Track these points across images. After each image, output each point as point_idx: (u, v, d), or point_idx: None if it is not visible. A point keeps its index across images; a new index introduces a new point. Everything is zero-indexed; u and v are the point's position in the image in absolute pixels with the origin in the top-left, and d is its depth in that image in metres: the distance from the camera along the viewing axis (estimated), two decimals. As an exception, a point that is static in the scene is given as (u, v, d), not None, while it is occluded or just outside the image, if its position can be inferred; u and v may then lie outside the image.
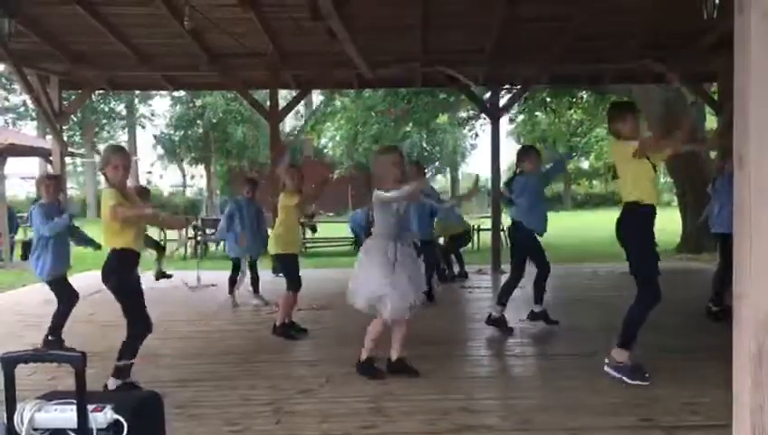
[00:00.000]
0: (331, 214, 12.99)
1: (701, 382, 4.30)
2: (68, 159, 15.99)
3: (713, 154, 11.21)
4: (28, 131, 29.54)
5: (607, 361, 4.55)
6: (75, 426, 2.31)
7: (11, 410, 2.35)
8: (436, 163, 27.73)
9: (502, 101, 11.14)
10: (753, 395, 2.47)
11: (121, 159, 4.30)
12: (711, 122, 15.99)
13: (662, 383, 4.35)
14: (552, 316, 6.45)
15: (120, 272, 4.28)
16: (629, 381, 4.38)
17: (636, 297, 4.48)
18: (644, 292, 4.44)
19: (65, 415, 2.34)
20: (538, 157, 6.30)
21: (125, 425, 2.35)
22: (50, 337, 5.63)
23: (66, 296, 5.71)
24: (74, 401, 2.33)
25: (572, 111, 22.70)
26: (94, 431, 2.31)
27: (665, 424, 3.67)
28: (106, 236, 4.30)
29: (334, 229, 16.07)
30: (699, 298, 6.72)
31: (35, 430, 2.33)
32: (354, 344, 5.38)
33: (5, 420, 2.36)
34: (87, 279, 8.37)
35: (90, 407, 2.33)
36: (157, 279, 9.36)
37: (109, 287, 4.31)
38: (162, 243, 14.01)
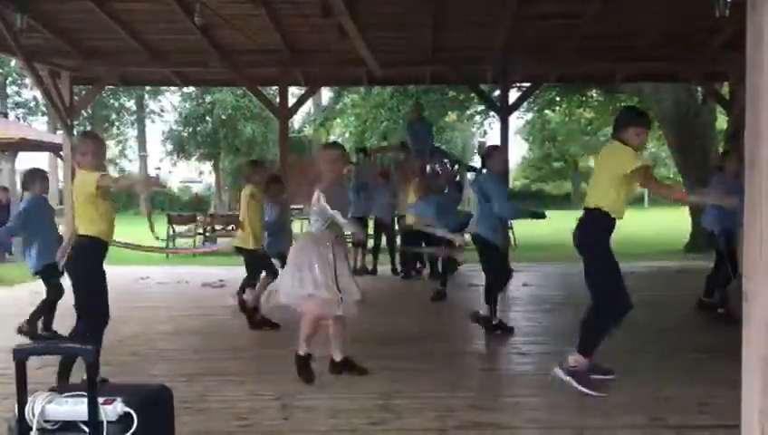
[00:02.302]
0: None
1: (711, 382, 4.28)
2: (78, 154, 16.06)
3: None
4: (39, 126, 29.68)
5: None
6: (86, 418, 2.33)
7: (22, 402, 2.37)
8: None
9: (511, 99, 11.11)
10: (763, 396, 2.47)
11: (92, 144, 4.23)
12: (721, 123, 15.89)
13: (672, 383, 4.33)
14: (560, 315, 6.44)
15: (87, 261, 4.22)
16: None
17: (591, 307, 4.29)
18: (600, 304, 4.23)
19: (76, 408, 2.36)
20: (503, 159, 6.23)
21: (135, 418, 2.37)
22: (24, 328, 5.73)
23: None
24: (85, 394, 2.35)
25: (582, 109, 22.63)
26: (104, 424, 2.33)
27: (674, 424, 3.66)
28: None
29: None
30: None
31: (46, 421, 2.35)
32: (363, 341, 5.40)
33: (17, 412, 2.38)
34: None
35: (100, 400, 2.35)
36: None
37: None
38: (172, 238, 14.10)
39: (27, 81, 26.30)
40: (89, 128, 32.77)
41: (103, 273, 4.23)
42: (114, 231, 4.35)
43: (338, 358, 4.63)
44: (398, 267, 9.93)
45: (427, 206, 7.98)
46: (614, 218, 4.17)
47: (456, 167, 10.20)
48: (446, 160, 10.40)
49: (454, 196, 8.68)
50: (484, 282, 6.01)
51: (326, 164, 4.56)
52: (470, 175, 10.39)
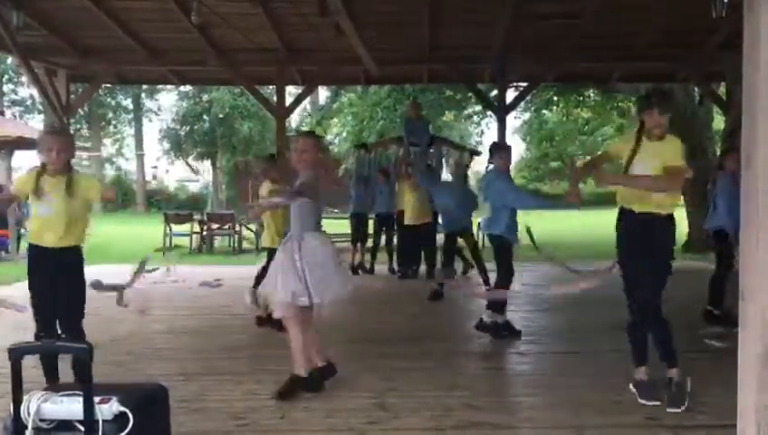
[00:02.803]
0: (336, 210, 13.03)
1: (707, 382, 4.27)
2: (75, 153, 16.02)
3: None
4: (35, 125, 29.60)
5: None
6: (81, 417, 2.32)
7: (18, 400, 2.36)
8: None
9: (508, 99, 11.13)
10: (759, 395, 2.47)
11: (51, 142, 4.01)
12: (718, 123, 15.91)
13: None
14: (558, 315, 6.41)
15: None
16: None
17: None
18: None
19: (72, 407, 2.35)
20: (508, 157, 6.06)
21: (131, 417, 2.36)
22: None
23: None
24: (81, 393, 2.34)
25: (580, 109, 22.67)
26: (100, 423, 2.33)
27: (669, 423, 3.67)
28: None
29: (337, 225, 16.06)
30: (705, 297, 6.69)
31: (42, 420, 2.34)
32: (360, 341, 5.40)
33: (12, 411, 2.37)
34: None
35: (96, 399, 2.34)
36: None
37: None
38: (167, 238, 14.07)
39: (24, 78, 26.20)
40: (85, 126, 32.76)
41: (40, 278, 4.06)
42: (48, 234, 4.03)
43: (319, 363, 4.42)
44: (396, 266, 9.92)
45: (440, 195, 7.99)
46: (629, 211, 4.00)
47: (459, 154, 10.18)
48: (446, 149, 10.39)
49: (461, 188, 8.52)
50: (495, 282, 5.97)
51: (296, 154, 4.22)
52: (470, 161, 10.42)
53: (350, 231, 10.49)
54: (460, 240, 8.26)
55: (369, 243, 10.47)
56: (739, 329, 2.59)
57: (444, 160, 10.73)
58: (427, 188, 8.72)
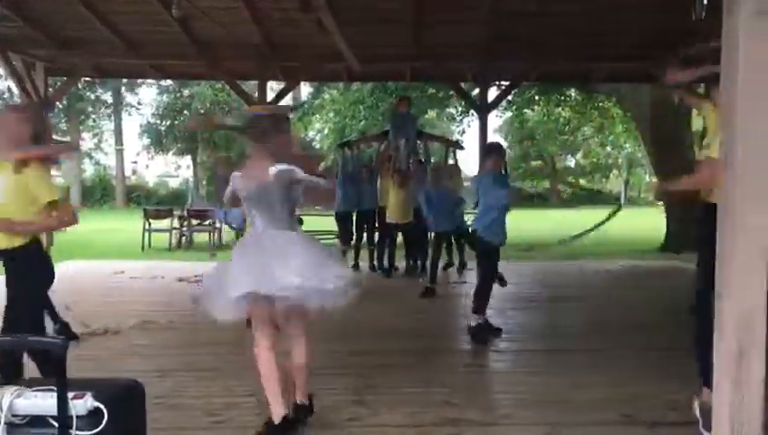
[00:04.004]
0: (318, 207, 13.02)
1: (683, 380, 4.31)
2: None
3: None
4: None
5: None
6: (55, 413, 2.29)
7: (-10, 396, 2.32)
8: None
9: (490, 97, 11.16)
10: (733, 392, 2.51)
11: None
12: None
13: (644, 380, 4.38)
14: (536, 313, 6.43)
15: None
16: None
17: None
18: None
19: (45, 402, 2.31)
20: (501, 158, 5.85)
21: (105, 413, 2.33)
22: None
23: None
24: (54, 389, 2.31)
25: (560, 108, 22.80)
26: (74, 419, 2.29)
27: (644, 420, 3.70)
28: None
29: (321, 223, 16.04)
30: (681, 296, 6.76)
31: (15, 416, 2.31)
32: (339, 338, 5.39)
33: (-16, 407, 2.33)
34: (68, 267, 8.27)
35: (70, 394, 2.31)
36: None
37: None
38: (147, 233, 13.93)
39: (0, 71, 25.83)
40: (63, 120, 32.33)
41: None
42: None
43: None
44: (376, 263, 9.91)
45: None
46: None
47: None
48: (432, 143, 10.43)
49: (447, 190, 8.50)
50: (476, 284, 5.94)
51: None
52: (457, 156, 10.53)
53: (334, 229, 10.48)
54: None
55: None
56: (714, 327, 2.62)
57: (430, 156, 10.79)
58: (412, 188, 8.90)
